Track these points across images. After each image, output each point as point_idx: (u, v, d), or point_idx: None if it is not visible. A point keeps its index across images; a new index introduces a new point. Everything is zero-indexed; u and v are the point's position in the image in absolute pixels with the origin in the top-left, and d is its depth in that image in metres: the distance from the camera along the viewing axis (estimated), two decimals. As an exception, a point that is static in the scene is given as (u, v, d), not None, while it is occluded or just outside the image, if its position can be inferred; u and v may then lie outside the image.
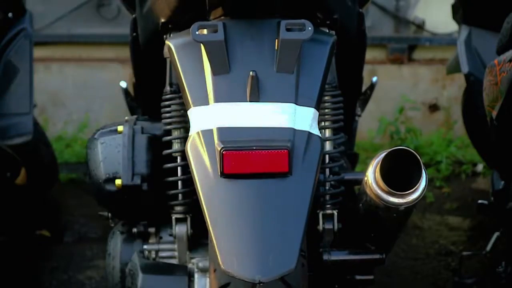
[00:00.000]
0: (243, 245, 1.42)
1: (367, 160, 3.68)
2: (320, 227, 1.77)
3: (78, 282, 2.86)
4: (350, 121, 2.24)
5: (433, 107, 4.27)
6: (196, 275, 1.75)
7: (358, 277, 1.81)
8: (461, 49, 2.84)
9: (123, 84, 2.47)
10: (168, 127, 1.78)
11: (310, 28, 1.54)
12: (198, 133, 1.51)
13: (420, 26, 4.32)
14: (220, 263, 1.42)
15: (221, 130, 1.48)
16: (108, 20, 4.25)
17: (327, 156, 1.77)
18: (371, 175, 1.50)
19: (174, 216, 1.79)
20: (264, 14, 1.62)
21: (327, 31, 1.79)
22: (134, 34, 2.02)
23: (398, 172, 1.50)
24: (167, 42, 1.69)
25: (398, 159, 1.48)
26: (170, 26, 1.80)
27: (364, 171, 1.57)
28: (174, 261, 1.83)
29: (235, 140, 1.46)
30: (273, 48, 1.56)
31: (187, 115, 1.57)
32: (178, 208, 1.79)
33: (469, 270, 2.75)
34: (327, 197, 1.77)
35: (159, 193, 1.77)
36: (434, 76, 4.26)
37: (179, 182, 1.77)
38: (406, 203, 1.49)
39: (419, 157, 1.46)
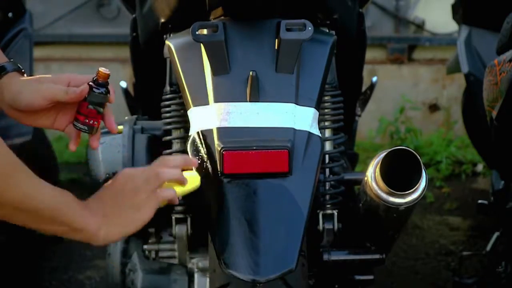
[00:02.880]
0: (243, 245, 1.42)
1: (367, 160, 3.68)
2: (320, 227, 1.77)
3: (78, 282, 2.86)
4: (350, 121, 2.24)
5: (433, 107, 4.27)
6: (196, 275, 1.75)
7: (358, 277, 1.80)
8: (461, 49, 2.84)
9: (123, 84, 2.47)
10: (168, 127, 1.78)
11: (310, 28, 1.53)
12: (198, 133, 1.51)
13: (420, 26, 4.32)
14: (220, 263, 1.42)
15: (221, 130, 1.48)
16: (108, 20, 4.25)
17: (327, 156, 1.77)
18: (371, 175, 1.50)
19: (174, 216, 1.79)
20: (264, 14, 1.62)
21: (327, 31, 1.79)
22: (134, 34, 2.02)
23: (398, 172, 1.49)
24: (167, 42, 1.69)
25: (398, 159, 1.47)
26: (170, 26, 1.80)
27: (364, 171, 1.57)
28: (174, 261, 1.82)
29: (235, 140, 1.46)
30: (273, 48, 1.56)
31: (187, 115, 1.57)
32: (178, 208, 1.79)
33: (469, 270, 2.75)
34: (327, 197, 1.77)
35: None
36: (434, 76, 4.26)
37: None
38: (406, 203, 1.49)
39: (419, 157, 1.46)
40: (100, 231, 1.30)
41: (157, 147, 1.77)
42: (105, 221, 1.30)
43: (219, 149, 1.45)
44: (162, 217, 1.83)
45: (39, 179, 1.28)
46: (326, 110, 1.78)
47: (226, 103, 1.50)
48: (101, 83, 1.36)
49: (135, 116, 1.83)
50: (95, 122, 1.38)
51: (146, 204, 1.33)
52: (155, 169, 1.35)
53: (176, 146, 1.77)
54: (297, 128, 1.49)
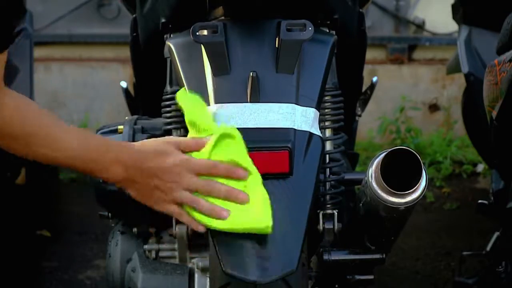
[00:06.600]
0: (244, 246, 1.42)
1: (367, 160, 3.68)
2: (320, 227, 1.77)
3: (78, 282, 2.86)
4: (350, 121, 2.24)
5: (433, 107, 4.27)
6: (196, 275, 1.75)
7: (358, 277, 1.80)
8: (461, 49, 2.84)
9: (123, 84, 2.47)
10: (168, 127, 1.78)
11: (310, 28, 1.53)
12: (198, 134, 1.50)
13: (420, 26, 4.32)
14: (221, 264, 1.42)
15: (221, 130, 1.47)
16: (108, 20, 4.25)
17: (327, 156, 1.77)
18: (371, 175, 1.50)
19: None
20: (264, 14, 1.62)
21: (328, 31, 1.79)
22: (134, 34, 2.02)
23: (398, 172, 1.49)
24: (167, 42, 1.69)
25: (398, 159, 1.47)
26: (170, 26, 1.80)
27: (364, 171, 1.57)
28: (174, 261, 1.82)
29: (235, 141, 1.46)
30: (273, 49, 1.56)
31: (188, 115, 1.56)
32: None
33: (469, 270, 2.74)
34: (327, 197, 1.77)
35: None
36: (434, 76, 4.26)
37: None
38: (406, 203, 1.49)
39: (419, 157, 1.46)
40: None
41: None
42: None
43: (219, 150, 1.45)
44: (163, 217, 1.83)
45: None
46: (326, 110, 1.78)
47: (226, 104, 1.50)
48: None
49: (135, 116, 1.83)
50: None
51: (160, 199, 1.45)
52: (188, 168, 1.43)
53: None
54: (297, 128, 1.49)
